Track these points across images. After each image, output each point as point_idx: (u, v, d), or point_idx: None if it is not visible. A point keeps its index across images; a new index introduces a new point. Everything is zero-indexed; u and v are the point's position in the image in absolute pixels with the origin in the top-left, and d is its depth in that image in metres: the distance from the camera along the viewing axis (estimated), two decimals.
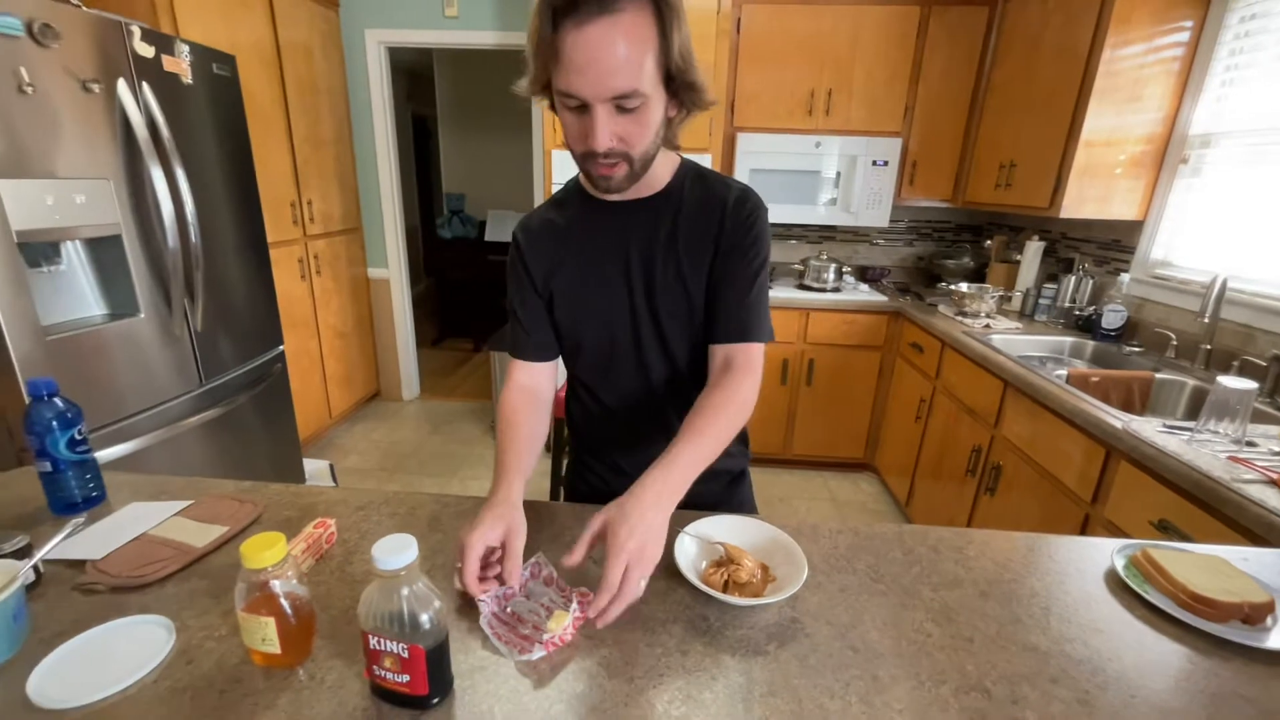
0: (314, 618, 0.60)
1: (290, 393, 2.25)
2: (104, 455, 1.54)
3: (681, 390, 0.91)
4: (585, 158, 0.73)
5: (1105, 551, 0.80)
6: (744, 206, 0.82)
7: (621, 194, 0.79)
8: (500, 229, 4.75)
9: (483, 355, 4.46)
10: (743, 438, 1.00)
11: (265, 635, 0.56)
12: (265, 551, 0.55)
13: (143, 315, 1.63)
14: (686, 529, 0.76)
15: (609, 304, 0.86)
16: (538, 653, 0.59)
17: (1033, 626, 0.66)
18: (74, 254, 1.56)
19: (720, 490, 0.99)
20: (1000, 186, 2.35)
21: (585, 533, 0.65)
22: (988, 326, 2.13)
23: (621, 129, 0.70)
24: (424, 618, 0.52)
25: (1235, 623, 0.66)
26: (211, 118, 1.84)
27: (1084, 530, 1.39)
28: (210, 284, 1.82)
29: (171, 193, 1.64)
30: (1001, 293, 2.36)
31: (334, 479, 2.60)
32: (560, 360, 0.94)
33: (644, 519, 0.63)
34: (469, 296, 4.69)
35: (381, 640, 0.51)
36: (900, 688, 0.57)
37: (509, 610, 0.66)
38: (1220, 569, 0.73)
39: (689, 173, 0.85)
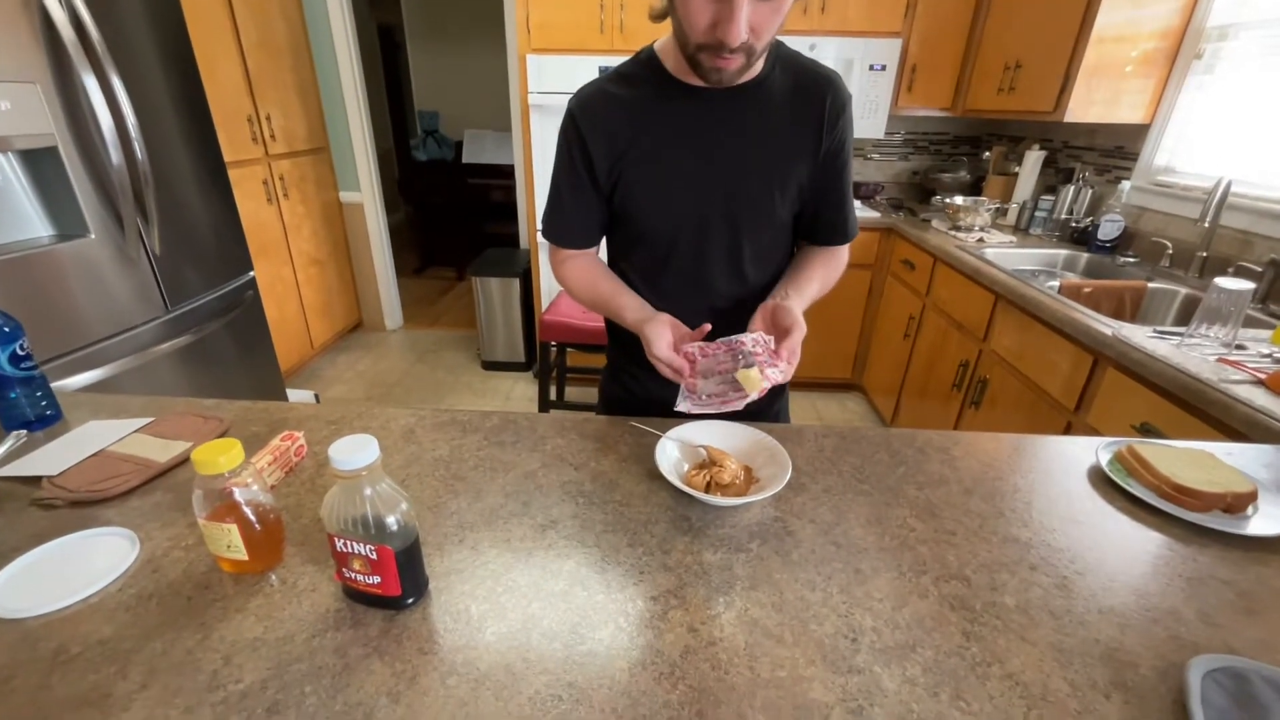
0: (282, 524, 0.58)
1: (266, 321, 2.18)
2: (72, 382, 1.49)
3: (737, 296, 0.87)
4: (704, 48, 0.66)
5: (1090, 449, 0.79)
6: (841, 104, 0.78)
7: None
8: (478, 150, 4.51)
9: (466, 283, 4.36)
10: None
11: (230, 542, 0.54)
12: (220, 457, 0.52)
13: (93, 236, 1.53)
14: (668, 434, 0.74)
15: (683, 197, 0.79)
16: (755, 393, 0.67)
17: (1014, 520, 0.66)
18: (8, 169, 1.44)
19: (761, 398, 0.96)
20: (1003, 91, 2.22)
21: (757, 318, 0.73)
22: (981, 240, 2.07)
23: (757, 19, 0.63)
24: (390, 519, 0.49)
25: (1217, 512, 0.67)
26: (144, 16, 1.66)
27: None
28: (164, 203, 1.71)
29: (108, 101, 1.50)
30: (997, 205, 2.29)
31: None
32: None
33: None
34: (449, 223, 4.51)
35: (348, 542, 0.49)
36: (881, 578, 0.57)
37: (705, 396, 0.71)
38: (1205, 462, 0.72)
39: (778, 57, 0.78)
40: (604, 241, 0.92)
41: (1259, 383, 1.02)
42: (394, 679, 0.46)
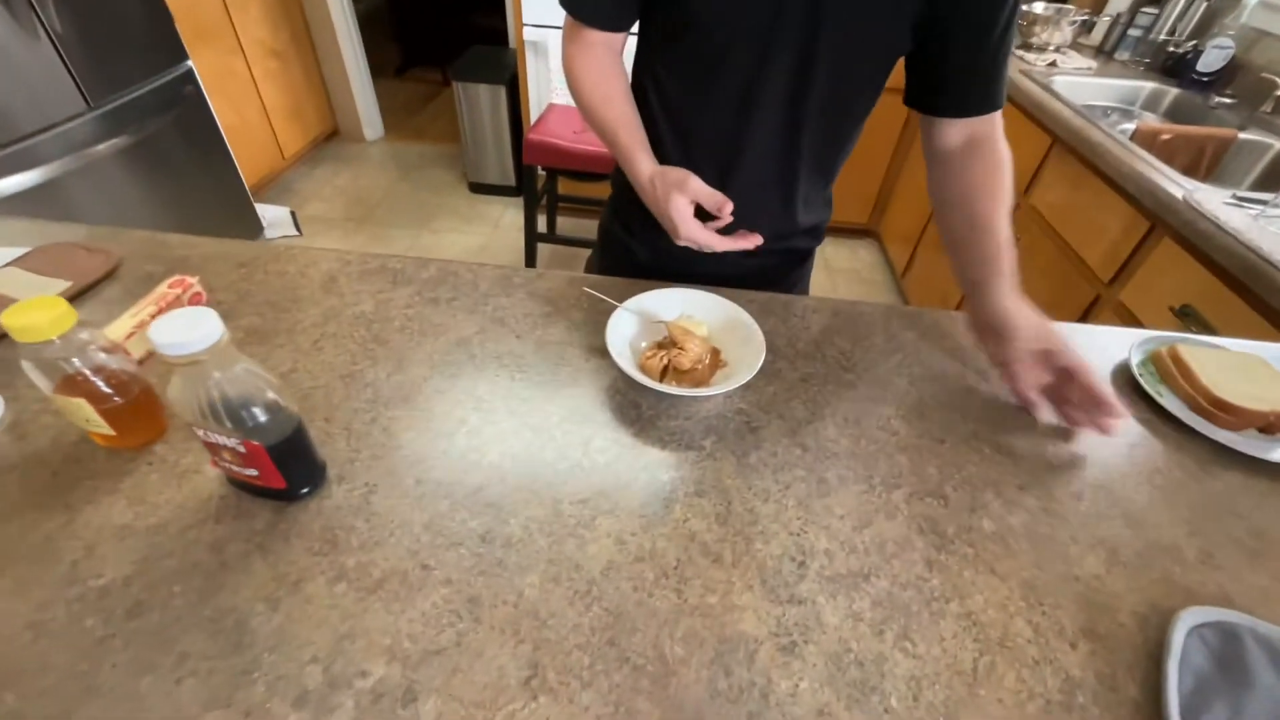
0: (154, 395, 0.50)
1: (215, 122, 1.93)
2: (3, 185, 1.35)
3: (778, 154, 0.67)
4: None
5: (1124, 343, 0.68)
6: None
7: None
8: None
9: (449, 90, 3.87)
10: (820, 221, 0.81)
11: (87, 417, 0.46)
12: (42, 319, 0.41)
13: None
14: (626, 304, 0.62)
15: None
16: None
17: (1015, 427, 0.58)
18: None
19: (783, 268, 0.82)
20: None
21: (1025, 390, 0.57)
22: (1054, 64, 1.73)
23: None
24: (255, 410, 0.40)
25: (1252, 431, 0.57)
26: None
27: (1087, 315, 1.29)
28: None
29: None
30: (1084, 17, 1.87)
31: (297, 227, 2.43)
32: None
33: None
34: (430, 11, 3.87)
35: (209, 433, 0.41)
36: (847, 491, 0.50)
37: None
38: (1255, 371, 0.61)
39: None
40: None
41: None
42: (275, 583, 0.41)
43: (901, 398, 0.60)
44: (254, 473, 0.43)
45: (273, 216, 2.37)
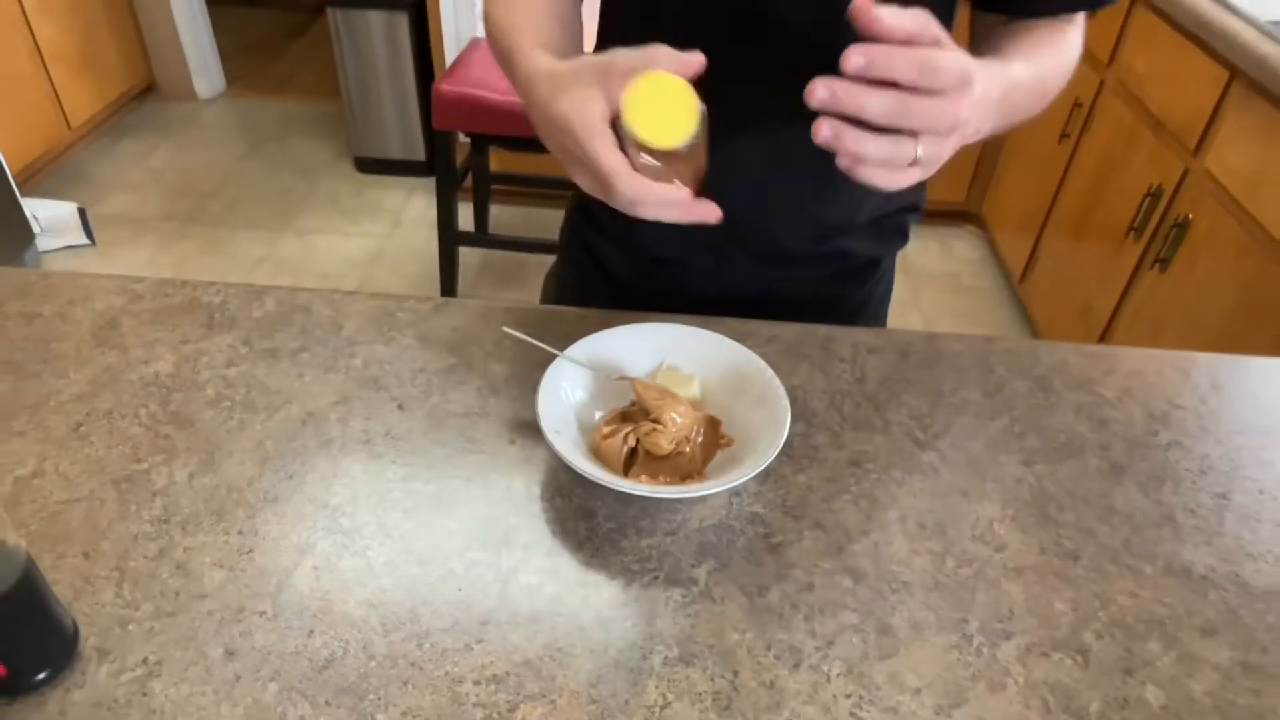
0: None
1: None
2: None
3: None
4: None
5: None
6: None
7: None
8: None
9: (324, 21, 3.99)
10: (904, 204, 0.81)
11: None
12: None
13: None
14: (570, 350, 0.64)
15: None
16: None
17: (1194, 530, 0.58)
18: None
19: (833, 288, 0.82)
20: None
21: None
22: None
23: None
24: None
25: None
26: None
27: None
28: None
29: None
30: None
31: (87, 233, 2.53)
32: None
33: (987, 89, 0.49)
34: None
35: None
36: (926, 646, 0.50)
37: None
38: None
39: None
40: None
41: None
42: None
43: (1011, 489, 0.61)
44: None
45: (50, 218, 2.46)
